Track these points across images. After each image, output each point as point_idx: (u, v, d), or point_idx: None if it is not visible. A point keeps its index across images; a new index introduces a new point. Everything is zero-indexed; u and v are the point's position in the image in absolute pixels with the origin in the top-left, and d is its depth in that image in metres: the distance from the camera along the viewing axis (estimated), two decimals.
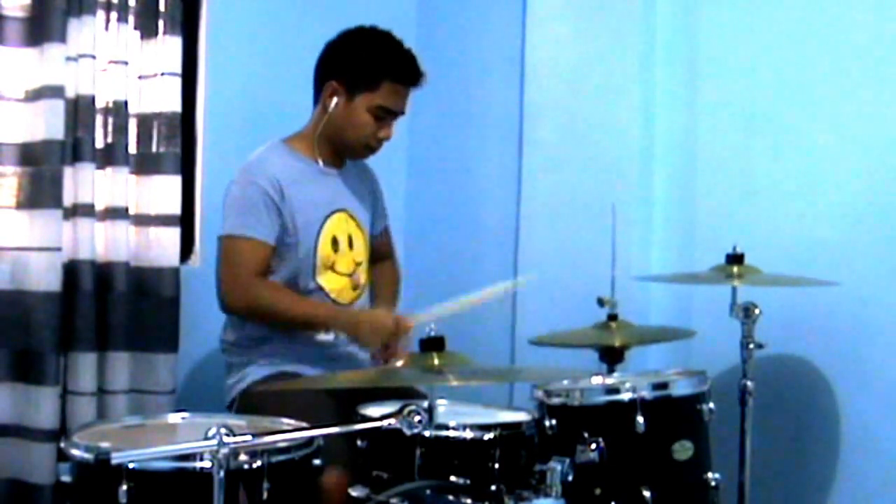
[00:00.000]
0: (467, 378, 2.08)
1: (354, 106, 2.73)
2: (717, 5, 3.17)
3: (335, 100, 2.73)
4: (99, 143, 3.01)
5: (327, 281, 2.77)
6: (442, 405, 2.42)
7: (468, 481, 2.19)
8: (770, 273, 2.70)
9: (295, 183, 2.72)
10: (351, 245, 2.83)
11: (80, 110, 2.97)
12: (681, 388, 2.48)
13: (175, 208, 3.11)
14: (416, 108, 3.06)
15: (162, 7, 3.08)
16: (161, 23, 3.08)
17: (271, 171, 2.70)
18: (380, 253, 3.00)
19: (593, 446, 2.31)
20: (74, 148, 2.97)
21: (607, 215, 2.91)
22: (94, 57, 2.97)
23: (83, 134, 2.97)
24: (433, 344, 2.07)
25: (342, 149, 2.82)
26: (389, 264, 3.06)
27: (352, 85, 2.72)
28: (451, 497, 2.08)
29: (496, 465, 2.24)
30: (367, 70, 2.72)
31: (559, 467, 2.03)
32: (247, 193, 2.68)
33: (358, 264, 2.84)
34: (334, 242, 2.79)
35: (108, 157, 3.03)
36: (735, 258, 2.69)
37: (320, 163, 2.80)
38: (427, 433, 2.15)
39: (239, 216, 2.68)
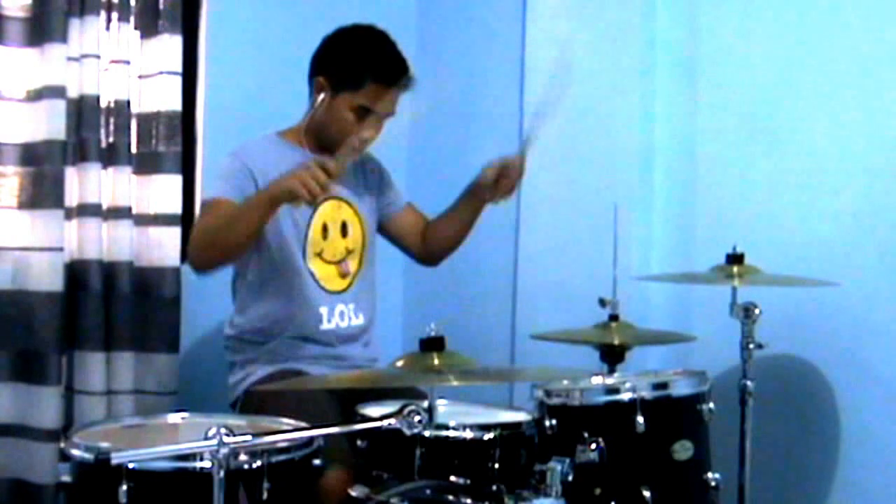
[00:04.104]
0: (467, 378, 2.07)
1: (337, 104, 2.71)
2: (717, 5, 3.17)
3: (321, 95, 2.73)
4: (101, 143, 3.01)
5: (316, 266, 2.77)
6: (442, 405, 2.42)
7: (468, 481, 2.20)
8: (770, 272, 2.69)
9: (284, 170, 2.71)
10: (344, 233, 2.82)
11: (81, 110, 2.97)
12: (681, 388, 2.48)
13: (176, 208, 3.11)
14: (417, 107, 3.04)
15: (162, 6, 3.08)
16: (161, 22, 3.08)
17: (256, 155, 2.71)
18: (422, 224, 3.01)
19: (593, 446, 2.31)
20: (76, 148, 2.98)
21: (607, 215, 2.91)
22: (95, 57, 2.97)
23: (84, 134, 2.98)
24: (433, 344, 2.07)
25: (326, 145, 2.80)
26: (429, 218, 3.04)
27: (336, 83, 2.71)
28: (451, 497, 2.08)
29: (496, 465, 2.24)
30: (351, 69, 2.71)
31: (559, 467, 2.03)
32: (225, 165, 2.71)
33: (350, 252, 2.83)
34: (324, 229, 2.78)
35: (110, 156, 3.03)
36: (735, 258, 2.68)
37: (309, 153, 2.79)
38: (427, 433, 2.15)
39: (213, 185, 2.72)
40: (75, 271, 3.00)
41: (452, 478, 2.21)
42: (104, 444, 2.02)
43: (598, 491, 2.32)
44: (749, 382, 2.65)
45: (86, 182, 2.99)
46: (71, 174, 2.97)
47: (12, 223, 2.94)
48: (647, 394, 2.38)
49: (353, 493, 2.19)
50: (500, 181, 2.80)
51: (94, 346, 2.99)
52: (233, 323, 2.80)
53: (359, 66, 2.71)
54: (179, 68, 3.11)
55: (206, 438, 1.75)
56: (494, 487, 2.12)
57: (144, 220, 3.11)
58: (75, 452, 2.04)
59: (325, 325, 2.76)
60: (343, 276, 2.82)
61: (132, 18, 3.07)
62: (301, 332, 2.75)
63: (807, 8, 2.99)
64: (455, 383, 2.00)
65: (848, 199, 2.89)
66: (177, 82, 3.11)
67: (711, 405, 2.47)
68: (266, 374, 2.70)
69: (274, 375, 2.68)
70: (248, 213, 2.57)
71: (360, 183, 2.90)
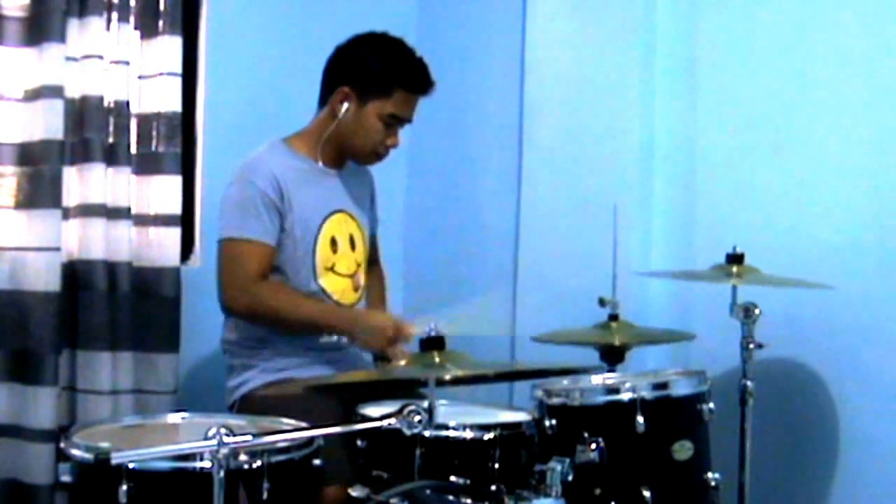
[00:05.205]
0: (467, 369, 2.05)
1: (365, 112, 2.72)
2: (717, 6, 3.17)
3: (346, 105, 2.73)
4: (102, 144, 3.01)
5: (328, 282, 2.76)
6: (442, 405, 2.42)
7: (468, 481, 2.19)
8: (770, 273, 2.69)
9: (294, 183, 2.72)
10: (353, 246, 2.83)
11: (81, 110, 2.97)
12: (681, 388, 2.48)
13: (175, 208, 3.11)
14: (417, 108, 3.02)
15: (162, 7, 3.08)
16: (161, 22, 3.08)
17: (270, 171, 2.69)
18: (369, 257, 2.99)
19: (593, 446, 2.30)
20: (76, 148, 2.98)
21: (607, 215, 2.91)
22: (95, 57, 2.97)
23: (85, 134, 2.97)
24: (433, 343, 2.07)
25: (349, 154, 2.82)
26: (378, 270, 3.06)
27: (364, 91, 2.72)
28: (451, 497, 2.09)
29: (496, 465, 2.24)
30: (381, 78, 2.72)
31: (559, 467, 2.03)
32: (245, 194, 2.67)
33: (359, 265, 2.84)
34: (333, 243, 2.78)
35: (111, 157, 3.03)
36: (735, 258, 2.68)
37: (320, 163, 2.80)
38: (427, 433, 2.15)
39: (237, 218, 2.67)
40: (74, 271, 2.99)
41: (452, 478, 2.21)
42: (104, 444, 2.02)
43: (598, 491, 2.32)
44: (749, 382, 2.65)
45: (86, 182, 2.99)
46: (70, 174, 2.97)
47: (9, 223, 2.94)
48: (647, 394, 2.38)
49: (353, 493, 2.20)
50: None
51: (94, 346, 2.98)
52: (233, 327, 2.79)
53: (389, 75, 2.72)
54: (179, 69, 3.11)
55: (206, 438, 1.75)
56: (494, 487, 2.12)
57: (144, 221, 3.10)
58: (75, 452, 2.04)
59: (325, 337, 2.74)
60: (356, 289, 2.83)
61: (132, 19, 3.07)
62: (302, 344, 2.74)
63: (807, 8, 2.99)
64: (458, 372, 1.98)
65: (848, 199, 2.89)
66: (177, 83, 3.10)
67: (711, 405, 2.46)
68: (263, 382, 2.69)
69: (270, 385, 2.67)
70: (313, 324, 2.68)
71: (359, 195, 2.90)
